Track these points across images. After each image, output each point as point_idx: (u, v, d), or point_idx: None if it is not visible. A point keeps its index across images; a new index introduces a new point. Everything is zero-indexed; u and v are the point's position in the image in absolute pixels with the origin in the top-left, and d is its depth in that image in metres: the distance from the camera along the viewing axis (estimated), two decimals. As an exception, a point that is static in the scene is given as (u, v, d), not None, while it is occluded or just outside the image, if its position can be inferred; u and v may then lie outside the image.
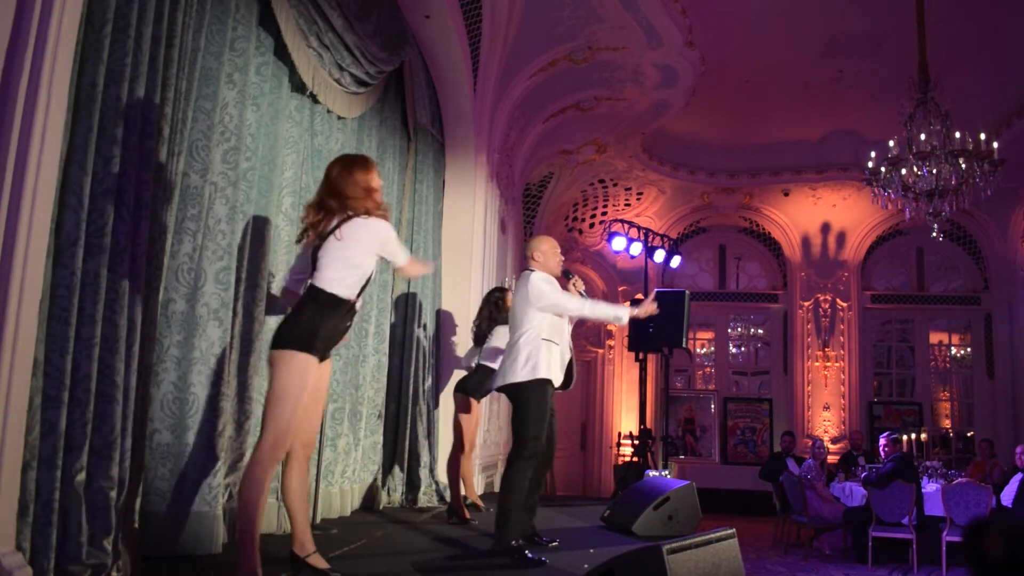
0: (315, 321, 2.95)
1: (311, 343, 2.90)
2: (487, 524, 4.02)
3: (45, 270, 2.45)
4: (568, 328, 4.08)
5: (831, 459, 10.11)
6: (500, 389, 3.94)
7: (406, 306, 6.03)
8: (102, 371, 2.65)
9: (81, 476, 2.56)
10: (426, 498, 5.78)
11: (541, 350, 3.81)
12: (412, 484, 5.78)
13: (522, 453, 3.72)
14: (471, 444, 5.29)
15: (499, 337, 5.17)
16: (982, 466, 8.84)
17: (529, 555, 3.62)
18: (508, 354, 3.94)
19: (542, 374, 3.79)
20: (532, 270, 4.02)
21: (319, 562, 2.98)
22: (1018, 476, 7.19)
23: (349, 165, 3.15)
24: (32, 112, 2.34)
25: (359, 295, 3.07)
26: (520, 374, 3.80)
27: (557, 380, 3.91)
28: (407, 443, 5.81)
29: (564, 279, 4.15)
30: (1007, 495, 7.16)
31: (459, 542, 4.18)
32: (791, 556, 7.56)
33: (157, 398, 3.26)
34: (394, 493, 5.69)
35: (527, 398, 3.78)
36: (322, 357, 3.00)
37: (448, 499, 5.41)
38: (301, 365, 2.88)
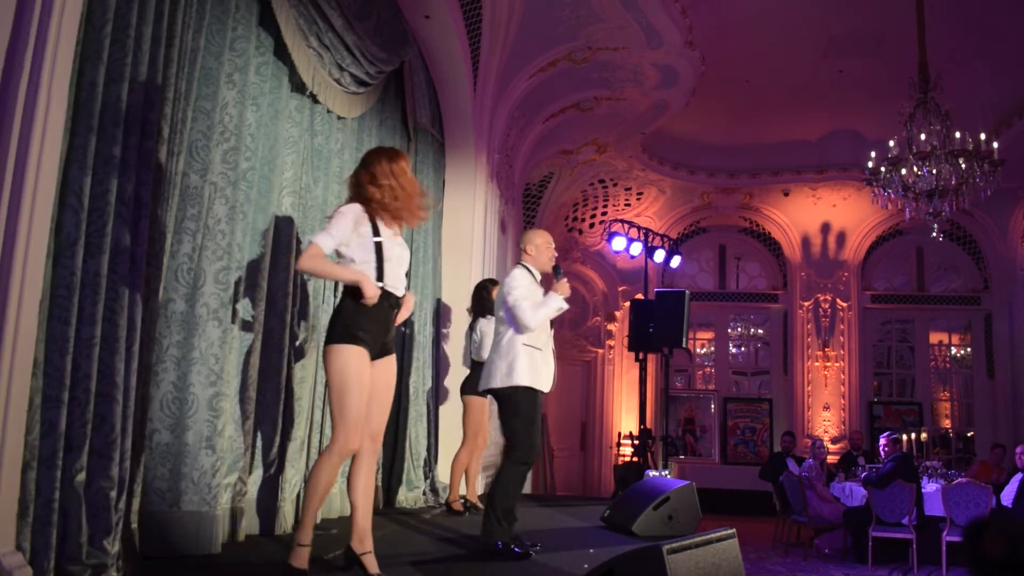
0: (346, 313, 3.03)
1: (349, 335, 2.98)
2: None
3: (45, 270, 2.45)
4: (550, 330, 3.92)
5: (831, 459, 10.10)
6: (486, 391, 3.87)
7: (406, 306, 6.02)
8: (102, 371, 2.65)
9: (81, 476, 2.56)
10: (425, 498, 5.78)
11: (520, 356, 3.72)
12: (412, 484, 5.78)
13: (511, 459, 3.66)
14: (474, 441, 5.28)
15: (481, 329, 5.20)
16: (988, 468, 8.80)
17: (516, 549, 3.60)
18: (493, 352, 3.87)
19: (524, 381, 3.69)
20: (522, 264, 3.97)
21: (372, 565, 2.99)
22: (1018, 476, 7.19)
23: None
24: (32, 112, 2.34)
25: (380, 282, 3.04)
26: (502, 380, 3.73)
27: (543, 386, 3.77)
28: (407, 443, 5.82)
29: (554, 276, 3.94)
30: (1007, 495, 7.16)
31: (458, 542, 4.18)
32: (791, 556, 7.56)
33: (157, 398, 3.26)
34: (394, 493, 5.69)
35: (511, 405, 3.71)
36: (372, 350, 3.02)
37: (447, 499, 5.42)
38: (342, 356, 2.96)
